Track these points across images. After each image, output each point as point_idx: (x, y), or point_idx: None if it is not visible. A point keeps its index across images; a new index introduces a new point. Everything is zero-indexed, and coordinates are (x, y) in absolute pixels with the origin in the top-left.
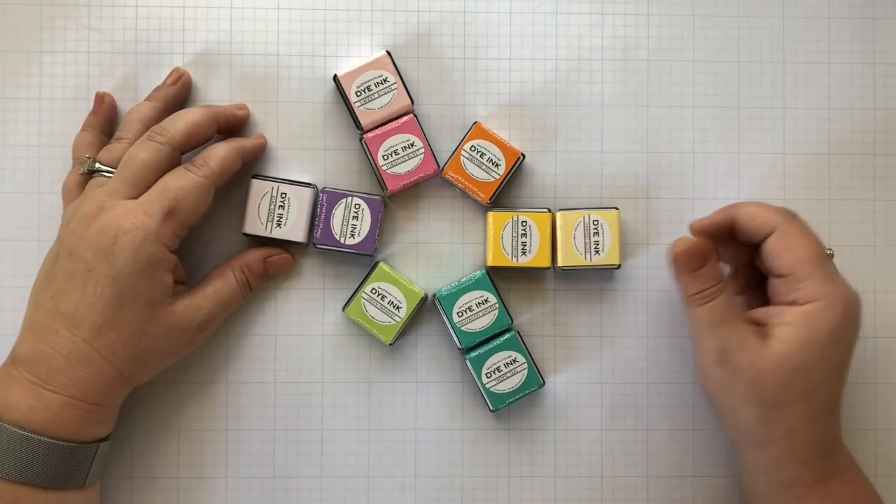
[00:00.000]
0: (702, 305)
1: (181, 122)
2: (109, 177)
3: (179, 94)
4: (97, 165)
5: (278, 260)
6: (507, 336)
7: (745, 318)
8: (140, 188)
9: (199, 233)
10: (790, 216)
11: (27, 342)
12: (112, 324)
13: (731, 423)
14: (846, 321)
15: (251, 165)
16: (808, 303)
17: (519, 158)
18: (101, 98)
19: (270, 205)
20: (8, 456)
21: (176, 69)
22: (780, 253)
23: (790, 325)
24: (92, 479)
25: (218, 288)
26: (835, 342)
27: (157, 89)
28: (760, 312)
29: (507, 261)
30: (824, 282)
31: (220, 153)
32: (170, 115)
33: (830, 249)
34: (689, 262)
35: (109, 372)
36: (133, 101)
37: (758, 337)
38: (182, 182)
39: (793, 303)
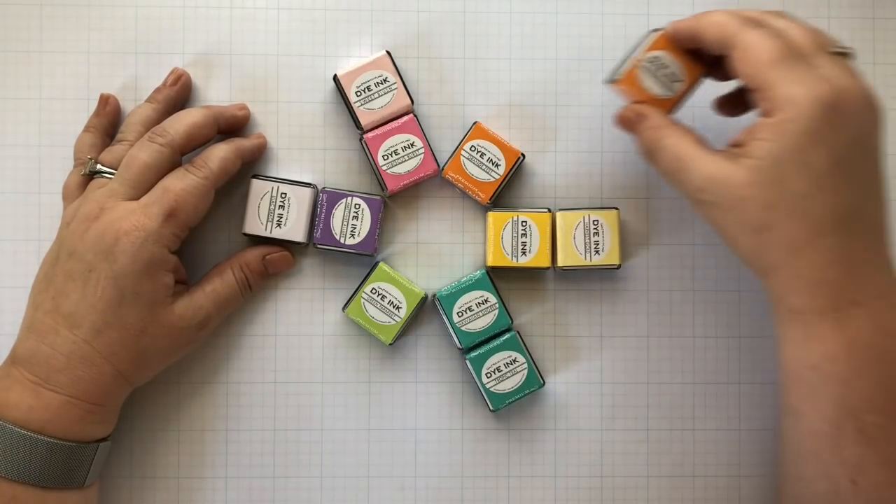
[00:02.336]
0: (658, 157)
1: (181, 123)
2: (110, 178)
3: (180, 94)
4: (98, 167)
5: (278, 258)
6: (507, 336)
7: (718, 147)
8: (141, 189)
9: (199, 233)
10: (751, 23)
11: (27, 342)
12: (112, 324)
13: (740, 258)
14: (825, 119)
15: (251, 165)
16: (776, 112)
17: (519, 158)
18: (105, 100)
19: (270, 205)
20: (7, 455)
21: (175, 70)
22: (740, 65)
23: (762, 139)
24: (91, 478)
25: (217, 287)
26: (812, 146)
27: (158, 90)
28: (741, 133)
29: (507, 261)
30: (789, 84)
31: (219, 154)
32: (170, 116)
33: (841, 47)
34: (627, 123)
35: (109, 372)
36: (134, 102)
37: (729, 162)
38: (182, 183)
39: (765, 115)
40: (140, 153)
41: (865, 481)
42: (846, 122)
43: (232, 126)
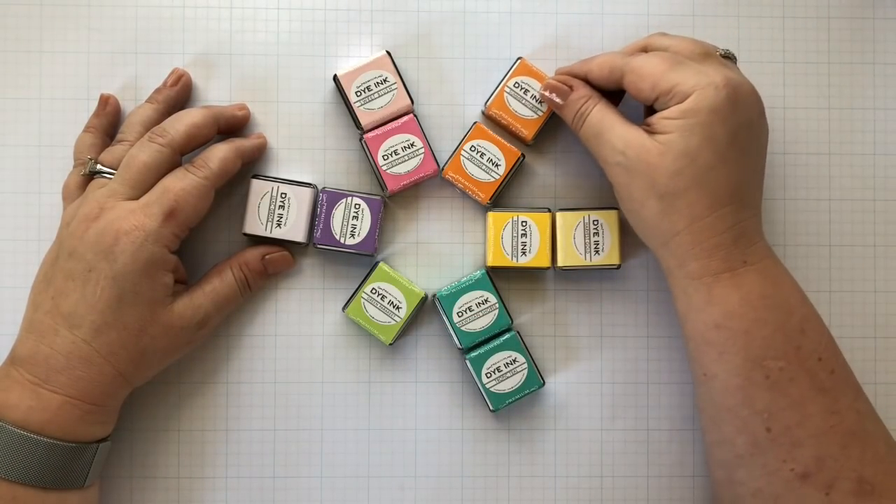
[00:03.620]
0: (584, 121)
1: (181, 123)
2: (110, 178)
3: (180, 95)
4: (98, 167)
5: (277, 258)
6: (507, 336)
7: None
8: (140, 189)
9: (199, 233)
10: (633, 52)
11: (27, 342)
12: (112, 324)
13: (642, 225)
14: (727, 100)
15: (251, 165)
16: (683, 100)
17: (519, 158)
18: (105, 100)
19: (270, 205)
20: (7, 456)
21: (176, 70)
22: (638, 87)
23: (671, 118)
24: (91, 479)
25: (216, 286)
26: (717, 122)
27: (158, 91)
28: (646, 122)
29: (507, 261)
30: (693, 76)
31: (219, 154)
32: (170, 116)
33: (724, 51)
34: (555, 94)
35: (109, 372)
36: (134, 102)
37: (645, 134)
38: (182, 183)
39: (671, 107)
40: (140, 153)
41: (778, 425)
42: (742, 104)
43: (232, 126)
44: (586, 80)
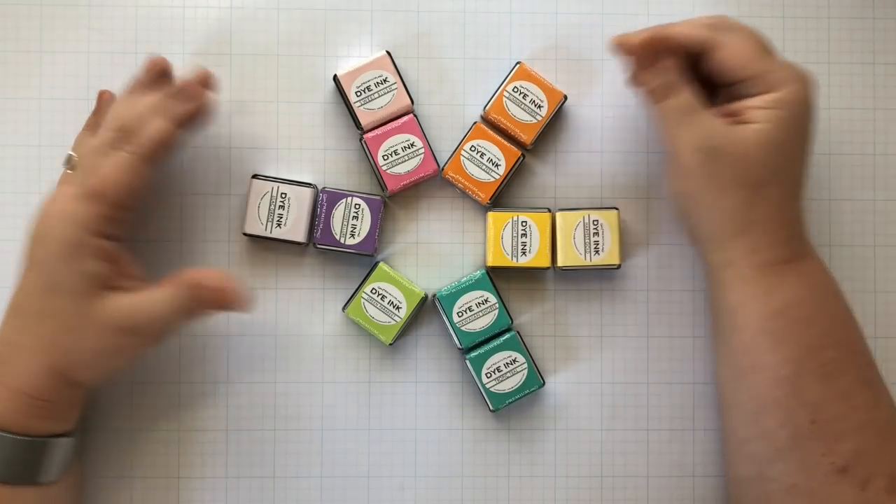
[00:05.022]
0: (670, 99)
1: (148, 136)
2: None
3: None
4: (73, 159)
5: (234, 293)
6: (507, 336)
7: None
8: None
9: (199, 233)
10: (722, 28)
11: None
12: (48, 313)
13: (711, 217)
14: (811, 97)
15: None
16: (775, 89)
17: (519, 158)
18: (102, 96)
19: (270, 205)
20: None
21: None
22: (728, 65)
23: (765, 108)
24: (52, 475)
25: (155, 297)
26: (806, 117)
27: (171, 100)
28: (729, 108)
29: (507, 261)
30: (783, 68)
31: (151, 126)
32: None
33: None
34: (650, 54)
35: (45, 364)
36: None
37: (733, 123)
38: (109, 161)
39: (760, 94)
40: (102, 157)
41: (823, 417)
42: (815, 103)
43: (194, 120)
44: (666, 42)
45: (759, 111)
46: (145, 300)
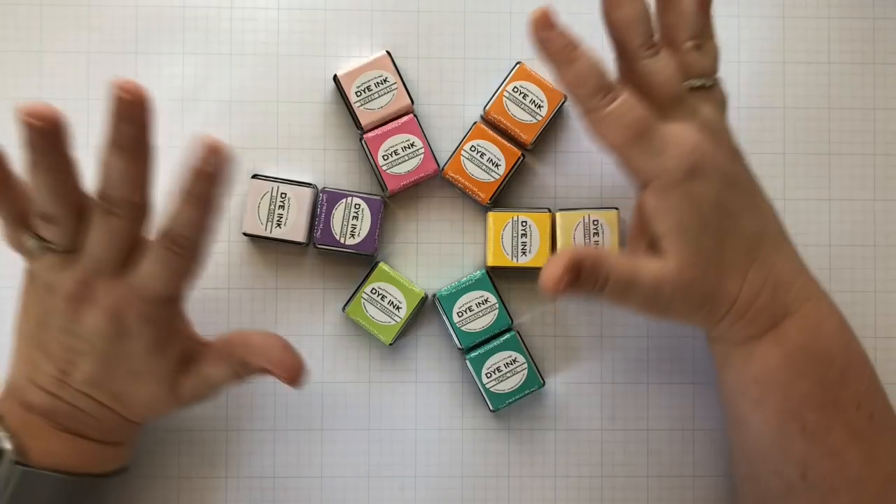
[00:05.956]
0: (608, 285)
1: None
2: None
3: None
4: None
5: (293, 364)
6: (507, 336)
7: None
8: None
9: None
10: (601, 102)
11: (39, 394)
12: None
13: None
14: (689, 178)
15: (248, 163)
16: (645, 186)
17: (519, 158)
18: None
19: (270, 205)
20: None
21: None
22: (603, 148)
23: (656, 220)
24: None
25: (218, 375)
26: (691, 206)
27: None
28: (638, 227)
29: (507, 261)
30: (650, 158)
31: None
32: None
33: (701, 81)
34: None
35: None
36: None
37: (650, 262)
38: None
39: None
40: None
41: (814, 474)
42: (707, 172)
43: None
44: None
45: (655, 224)
46: (209, 382)
